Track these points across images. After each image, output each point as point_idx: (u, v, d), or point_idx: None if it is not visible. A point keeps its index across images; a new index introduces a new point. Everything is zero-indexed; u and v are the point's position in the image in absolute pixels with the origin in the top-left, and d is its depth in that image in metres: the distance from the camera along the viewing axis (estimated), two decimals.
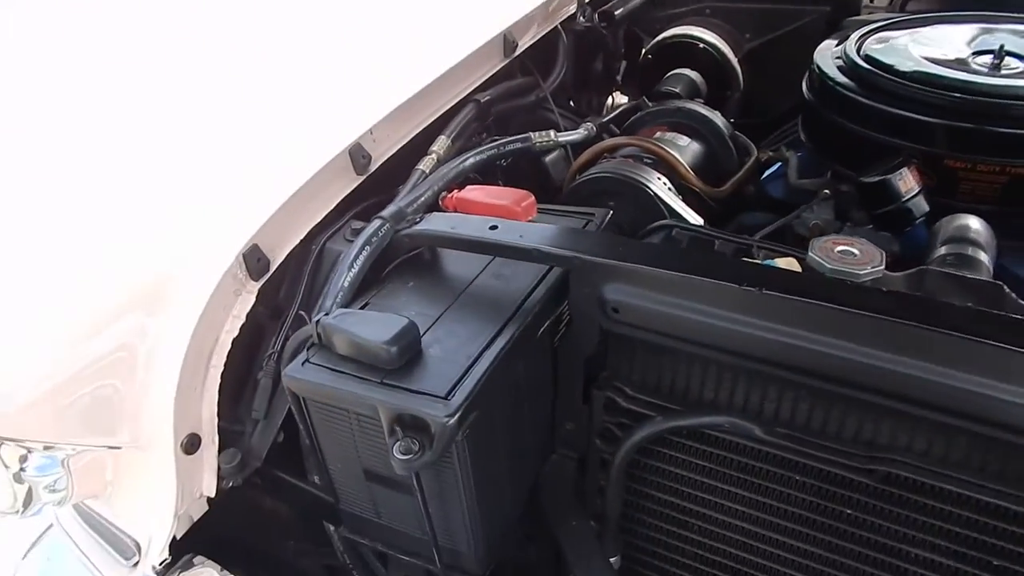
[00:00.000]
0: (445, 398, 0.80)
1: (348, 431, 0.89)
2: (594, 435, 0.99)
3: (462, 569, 0.96)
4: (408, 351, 0.85)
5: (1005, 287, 0.86)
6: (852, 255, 0.87)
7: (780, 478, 0.90)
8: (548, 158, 1.40)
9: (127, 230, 1.00)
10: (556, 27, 1.61)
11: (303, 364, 0.88)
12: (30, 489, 1.01)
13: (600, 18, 1.74)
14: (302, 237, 1.05)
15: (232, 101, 1.24)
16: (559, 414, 1.01)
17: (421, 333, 0.87)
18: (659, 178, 1.16)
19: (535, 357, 0.95)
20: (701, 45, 1.70)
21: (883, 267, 0.85)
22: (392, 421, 0.82)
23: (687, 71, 1.66)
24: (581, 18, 1.70)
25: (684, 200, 1.18)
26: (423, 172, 1.17)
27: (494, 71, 1.40)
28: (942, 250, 0.93)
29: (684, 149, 1.28)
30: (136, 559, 1.13)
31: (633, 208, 1.14)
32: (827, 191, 1.21)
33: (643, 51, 1.80)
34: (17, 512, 1.03)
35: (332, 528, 1.12)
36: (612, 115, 1.48)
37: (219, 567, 1.01)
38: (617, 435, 0.97)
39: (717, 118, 1.36)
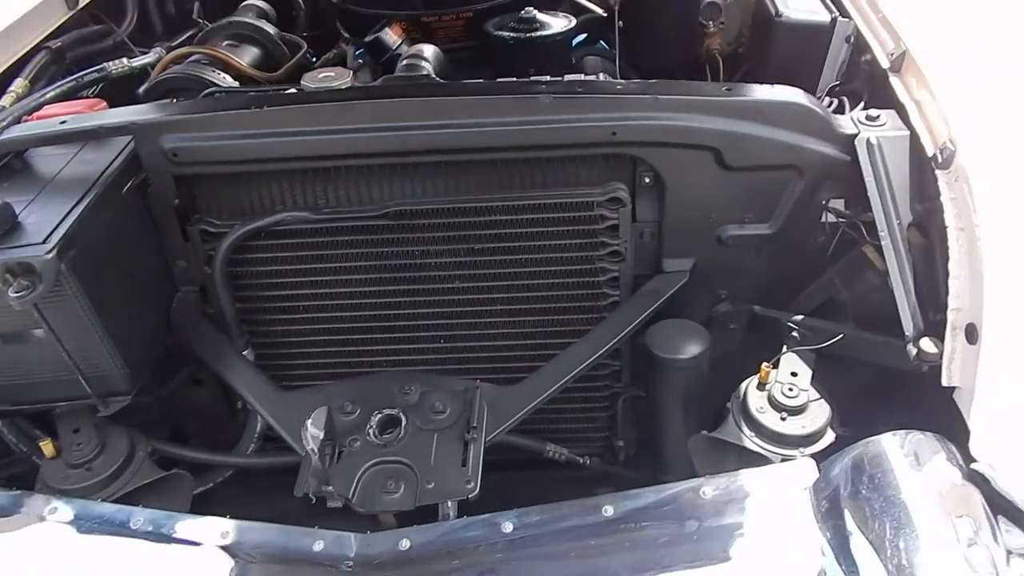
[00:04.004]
0: (43, 243, 1.04)
1: None
2: (201, 264, 1.28)
3: (114, 391, 1.20)
4: (4, 224, 1.06)
5: (434, 76, 1.30)
6: (331, 77, 1.25)
7: (336, 243, 1.26)
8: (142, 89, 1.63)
9: None
10: None
11: None
12: None
13: None
14: None
15: None
16: (169, 256, 1.29)
17: (17, 212, 1.09)
18: (215, 72, 1.45)
19: (127, 210, 1.21)
20: None
21: (351, 79, 1.24)
22: (3, 275, 1.03)
23: (256, 1, 1.95)
24: None
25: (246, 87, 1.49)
26: (3, 107, 1.35)
27: (60, 22, 1.59)
28: (401, 64, 1.35)
29: (239, 51, 1.58)
30: None
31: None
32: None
33: None
34: None
35: None
36: (179, 40, 1.74)
37: None
38: None
39: (265, 25, 1.67)
